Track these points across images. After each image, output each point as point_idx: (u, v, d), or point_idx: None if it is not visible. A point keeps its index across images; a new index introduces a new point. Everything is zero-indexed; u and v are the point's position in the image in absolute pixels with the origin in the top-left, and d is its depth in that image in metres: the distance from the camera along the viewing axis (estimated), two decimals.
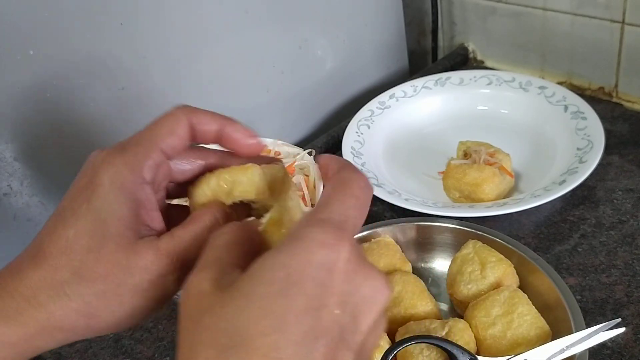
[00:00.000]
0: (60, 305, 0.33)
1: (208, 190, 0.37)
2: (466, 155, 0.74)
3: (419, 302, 0.56)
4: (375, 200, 0.74)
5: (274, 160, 0.39)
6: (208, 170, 0.38)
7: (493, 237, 0.60)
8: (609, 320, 0.50)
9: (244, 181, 0.37)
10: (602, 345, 0.54)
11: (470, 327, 0.53)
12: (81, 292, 0.33)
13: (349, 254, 0.28)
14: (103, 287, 0.33)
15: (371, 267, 0.29)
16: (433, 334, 0.51)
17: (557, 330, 0.51)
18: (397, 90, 0.91)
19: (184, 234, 0.34)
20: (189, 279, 0.30)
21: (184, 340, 0.28)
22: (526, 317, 0.52)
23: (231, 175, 0.37)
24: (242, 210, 0.38)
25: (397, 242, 0.63)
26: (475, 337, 0.53)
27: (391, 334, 0.54)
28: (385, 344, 0.52)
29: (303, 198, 0.67)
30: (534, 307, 0.53)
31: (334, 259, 0.27)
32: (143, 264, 0.33)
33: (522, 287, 0.56)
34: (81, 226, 0.33)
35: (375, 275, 0.29)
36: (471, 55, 1.04)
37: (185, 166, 0.38)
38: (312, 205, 0.64)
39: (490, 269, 0.56)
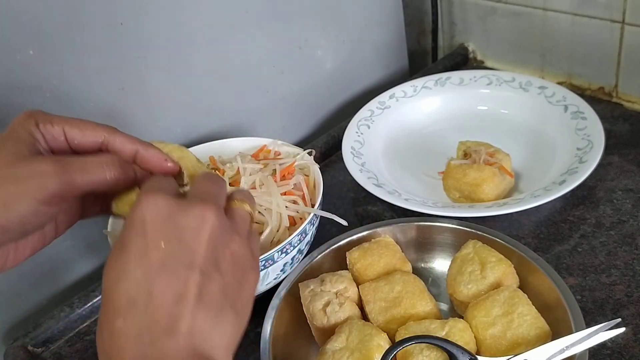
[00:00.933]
0: None
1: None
2: (466, 155, 0.74)
3: (419, 302, 0.56)
4: (375, 200, 0.74)
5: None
6: (104, 145, 0.45)
7: (493, 237, 0.60)
8: (609, 320, 0.49)
9: (188, 155, 0.47)
10: (602, 346, 0.54)
11: (470, 327, 0.53)
12: None
13: (164, 202, 0.36)
14: None
15: (188, 206, 0.37)
16: (433, 334, 0.51)
17: (557, 331, 0.51)
18: (397, 90, 0.91)
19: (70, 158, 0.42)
20: None
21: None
22: (526, 317, 0.52)
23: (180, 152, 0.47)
24: None
25: (397, 242, 0.63)
26: (475, 337, 0.53)
27: (391, 334, 0.54)
28: (385, 344, 0.52)
29: (303, 198, 0.67)
30: (534, 307, 0.53)
31: (147, 210, 0.36)
32: (23, 166, 0.39)
33: (522, 287, 0.56)
34: None
35: (193, 210, 0.36)
36: (471, 55, 1.04)
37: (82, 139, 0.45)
38: (312, 206, 0.64)
39: (490, 269, 0.56)
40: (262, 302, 0.59)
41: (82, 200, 0.48)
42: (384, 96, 0.90)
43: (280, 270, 0.61)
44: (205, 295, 0.35)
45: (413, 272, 0.61)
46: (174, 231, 0.36)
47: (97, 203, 0.49)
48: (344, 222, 0.62)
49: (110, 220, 0.65)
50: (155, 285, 0.34)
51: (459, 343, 0.50)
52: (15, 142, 0.41)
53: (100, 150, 0.45)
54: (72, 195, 0.42)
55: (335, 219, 0.62)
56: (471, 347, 0.52)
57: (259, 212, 0.62)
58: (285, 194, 0.65)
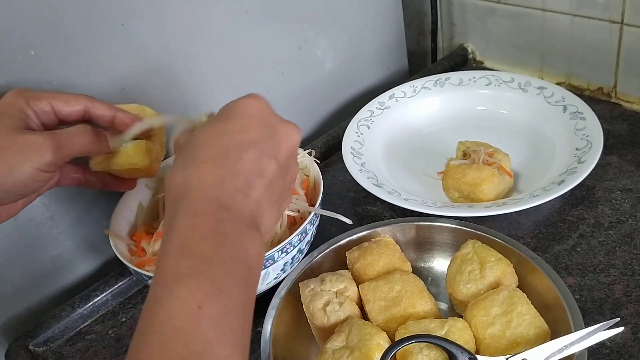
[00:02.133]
0: None
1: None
2: (465, 155, 0.74)
3: (418, 301, 0.56)
4: (375, 200, 0.74)
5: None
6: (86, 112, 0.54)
7: (492, 237, 0.60)
8: (607, 320, 0.50)
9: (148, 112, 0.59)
10: (601, 345, 0.54)
11: (470, 326, 0.53)
12: None
13: (267, 104, 0.44)
14: None
15: (286, 120, 0.45)
16: (432, 333, 0.52)
17: (556, 330, 0.51)
18: (397, 90, 0.91)
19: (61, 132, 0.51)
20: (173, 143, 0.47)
21: (174, 165, 0.42)
22: (525, 316, 0.52)
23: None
24: None
25: (396, 241, 0.63)
26: (474, 337, 0.53)
27: (391, 333, 0.54)
28: (385, 343, 0.52)
29: (305, 197, 0.67)
30: (533, 306, 0.53)
31: (253, 102, 0.43)
32: (21, 139, 0.48)
33: (521, 286, 0.57)
34: None
35: (288, 123, 0.45)
36: (470, 56, 1.04)
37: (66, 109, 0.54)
38: (313, 205, 0.64)
39: (490, 269, 0.57)
40: (262, 301, 0.59)
41: (63, 167, 0.55)
42: (383, 96, 0.90)
43: (281, 270, 0.61)
44: (272, 184, 0.42)
45: (413, 272, 0.61)
46: (271, 128, 0.43)
47: (76, 171, 0.58)
48: (349, 221, 0.62)
49: (111, 220, 0.66)
50: (246, 154, 0.41)
51: (459, 342, 0.50)
52: (10, 118, 0.49)
53: (84, 118, 0.54)
54: (63, 162, 0.50)
55: (339, 218, 0.62)
56: (470, 346, 0.52)
57: None
58: None
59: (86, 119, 0.54)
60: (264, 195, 0.41)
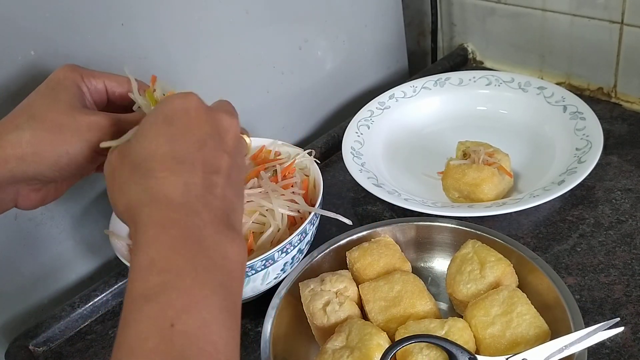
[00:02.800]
0: (15, 135, 0.45)
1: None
2: (465, 155, 0.74)
3: (418, 301, 0.56)
4: (375, 200, 0.74)
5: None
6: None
7: (492, 237, 0.60)
8: (607, 320, 0.50)
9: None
10: (601, 345, 0.54)
11: (470, 326, 0.54)
12: (32, 126, 0.45)
13: (198, 100, 0.43)
14: (50, 125, 0.46)
15: (220, 110, 0.44)
16: (432, 333, 0.52)
17: (556, 330, 0.51)
18: (397, 90, 0.91)
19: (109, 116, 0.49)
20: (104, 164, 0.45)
21: (111, 189, 0.43)
22: (525, 316, 0.52)
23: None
24: None
25: (396, 241, 0.63)
26: (474, 337, 0.53)
27: (391, 333, 0.54)
28: (385, 343, 0.52)
29: (305, 197, 0.67)
30: (533, 306, 0.53)
31: (185, 101, 0.42)
32: (82, 118, 0.46)
33: (521, 286, 0.57)
34: (40, 94, 0.48)
35: (224, 113, 0.44)
36: (470, 56, 1.04)
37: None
38: (312, 206, 0.64)
39: (490, 269, 0.57)
40: (262, 301, 0.59)
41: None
42: (383, 96, 0.90)
43: (281, 270, 0.61)
44: (230, 177, 0.42)
45: (413, 272, 0.61)
46: (210, 121, 0.43)
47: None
48: (349, 222, 0.62)
49: (111, 220, 0.66)
50: (199, 154, 0.40)
51: (459, 342, 0.50)
52: (67, 93, 0.48)
53: (131, 100, 0.53)
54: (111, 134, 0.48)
55: (339, 218, 0.62)
56: (470, 346, 0.52)
57: (260, 213, 0.62)
58: (284, 187, 0.65)
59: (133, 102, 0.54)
60: (228, 190, 0.41)
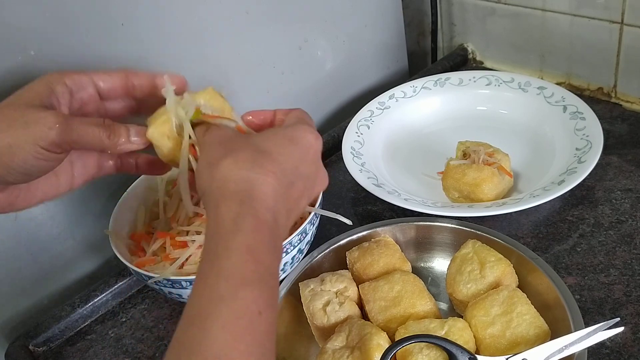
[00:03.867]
0: None
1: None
2: (465, 155, 0.74)
3: (418, 301, 0.56)
4: (375, 200, 0.74)
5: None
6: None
7: (492, 237, 0.60)
8: (607, 320, 0.50)
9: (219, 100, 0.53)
10: (601, 345, 0.54)
11: (470, 326, 0.54)
12: None
13: (321, 145, 0.48)
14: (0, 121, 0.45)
15: (322, 165, 0.49)
16: (432, 333, 0.52)
17: (556, 330, 0.51)
18: (397, 90, 0.91)
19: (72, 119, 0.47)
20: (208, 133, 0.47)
21: (210, 153, 0.44)
22: (525, 316, 0.52)
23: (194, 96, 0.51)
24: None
25: (396, 241, 0.63)
26: (474, 337, 0.53)
27: (391, 333, 0.54)
28: (385, 343, 0.52)
29: None
30: (533, 306, 0.53)
31: (315, 142, 0.47)
32: (30, 114, 0.45)
33: (521, 286, 0.57)
34: (10, 96, 0.47)
35: (324, 170, 0.49)
36: (470, 56, 1.04)
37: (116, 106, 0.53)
38: (312, 205, 0.64)
39: (490, 269, 0.57)
40: None
41: (99, 156, 0.53)
42: (383, 97, 0.90)
43: (281, 270, 0.61)
44: (297, 213, 0.46)
45: (412, 272, 0.61)
46: (316, 169, 0.47)
47: (112, 158, 0.54)
48: (349, 222, 0.62)
49: (111, 220, 0.66)
50: (298, 183, 0.44)
51: (459, 342, 0.50)
52: (31, 93, 0.47)
53: (127, 93, 0.52)
54: (69, 147, 0.47)
55: (339, 218, 0.62)
56: (470, 346, 0.52)
57: None
58: None
59: (129, 94, 0.52)
60: (289, 217, 0.44)
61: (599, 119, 0.76)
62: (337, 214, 0.62)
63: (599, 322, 0.49)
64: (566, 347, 0.49)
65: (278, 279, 0.40)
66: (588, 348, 0.49)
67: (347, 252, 0.62)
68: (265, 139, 0.45)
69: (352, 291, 0.59)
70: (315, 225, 0.64)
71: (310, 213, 0.62)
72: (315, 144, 0.47)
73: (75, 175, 0.52)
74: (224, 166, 0.41)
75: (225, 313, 0.35)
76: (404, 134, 0.87)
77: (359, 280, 0.60)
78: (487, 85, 0.89)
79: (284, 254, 0.60)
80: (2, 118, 0.45)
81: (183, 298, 0.61)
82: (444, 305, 0.62)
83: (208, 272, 0.37)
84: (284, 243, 0.59)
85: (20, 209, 0.51)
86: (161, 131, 0.49)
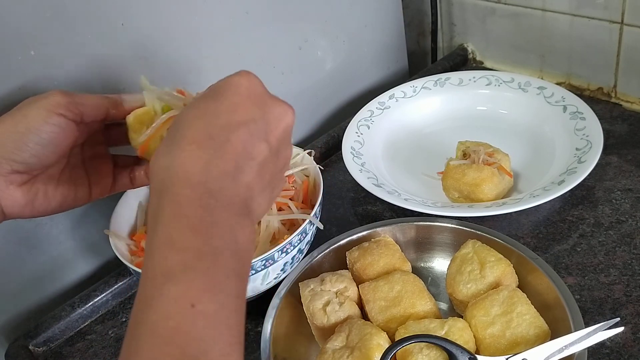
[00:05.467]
0: None
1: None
2: (465, 155, 0.74)
3: (418, 301, 0.56)
4: (375, 200, 0.74)
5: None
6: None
7: (492, 237, 0.60)
8: (607, 320, 0.50)
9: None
10: (601, 345, 0.54)
11: (470, 326, 0.54)
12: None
13: (258, 82, 0.42)
14: (15, 110, 0.49)
15: (278, 99, 0.43)
16: (432, 333, 0.52)
17: (556, 330, 0.51)
18: (397, 90, 0.91)
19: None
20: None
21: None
22: (525, 316, 0.52)
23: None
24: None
25: (396, 241, 0.63)
26: (474, 337, 0.53)
27: (391, 333, 0.54)
28: (385, 343, 0.52)
29: (305, 197, 0.67)
30: (533, 306, 0.53)
31: (244, 79, 0.41)
32: (42, 98, 0.49)
33: (521, 286, 0.57)
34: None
35: (282, 103, 0.42)
36: (470, 56, 1.04)
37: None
38: (312, 207, 0.64)
39: (490, 269, 0.57)
40: (262, 301, 0.59)
41: (114, 173, 0.56)
42: (383, 97, 0.90)
43: (281, 270, 0.61)
44: (263, 168, 0.40)
45: (412, 272, 0.61)
46: (262, 108, 0.41)
47: (125, 174, 0.57)
48: (320, 226, 0.64)
49: (111, 220, 0.66)
50: (234, 135, 0.39)
51: (459, 342, 0.50)
52: (42, 96, 0.50)
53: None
54: (76, 110, 0.50)
55: (314, 222, 0.63)
56: (470, 346, 0.52)
57: None
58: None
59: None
60: (255, 180, 0.39)
61: (599, 119, 0.76)
62: (318, 218, 0.63)
63: (599, 322, 0.49)
64: (566, 347, 0.49)
65: (221, 257, 0.35)
66: (588, 348, 0.49)
67: (347, 252, 0.62)
68: (185, 111, 0.41)
69: (352, 291, 0.59)
70: (315, 225, 0.64)
71: (310, 213, 0.62)
72: (244, 81, 0.41)
73: (92, 188, 0.55)
74: (152, 164, 0.39)
75: (152, 316, 0.32)
76: (404, 134, 0.87)
77: (359, 280, 0.60)
78: (487, 85, 0.89)
79: (284, 254, 0.60)
80: (17, 110, 0.50)
81: None
82: (444, 305, 0.62)
83: (141, 274, 0.35)
84: (284, 242, 0.59)
85: (39, 213, 0.52)
86: (140, 119, 0.51)
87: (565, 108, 0.81)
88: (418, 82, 0.91)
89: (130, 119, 0.52)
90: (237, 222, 0.37)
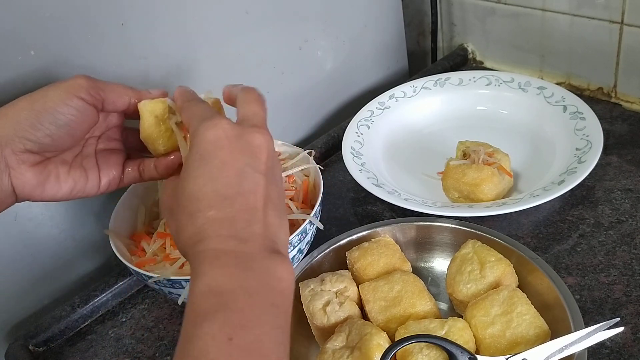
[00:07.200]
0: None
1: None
2: (465, 155, 0.74)
3: (418, 301, 0.56)
4: (375, 200, 0.74)
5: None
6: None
7: (492, 237, 0.60)
8: (607, 320, 0.50)
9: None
10: (601, 345, 0.54)
11: (470, 326, 0.54)
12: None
13: (228, 125, 0.44)
14: (36, 92, 0.50)
15: (249, 128, 0.45)
16: (432, 333, 0.52)
17: (556, 330, 0.51)
18: (397, 90, 0.91)
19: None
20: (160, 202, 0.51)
21: (170, 227, 0.45)
22: (525, 316, 0.52)
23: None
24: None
25: (396, 241, 0.63)
26: (474, 337, 0.53)
27: (391, 333, 0.54)
28: (385, 343, 0.52)
29: (305, 197, 0.67)
30: (533, 306, 0.53)
31: (219, 131, 0.44)
32: (66, 79, 0.50)
33: (521, 286, 0.57)
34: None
35: (254, 131, 0.45)
36: (470, 56, 1.05)
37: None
38: (312, 207, 0.64)
39: (490, 269, 0.57)
40: None
41: (124, 166, 0.57)
42: (383, 97, 0.90)
43: None
44: (269, 197, 0.43)
45: (413, 272, 0.61)
46: (245, 148, 0.44)
47: (134, 167, 0.57)
48: (321, 226, 0.64)
49: (111, 220, 0.66)
50: (240, 187, 0.42)
51: (459, 342, 0.50)
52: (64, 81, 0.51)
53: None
54: (98, 96, 0.51)
55: (314, 222, 0.63)
56: (470, 346, 0.52)
57: None
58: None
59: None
60: (268, 212, 0.43)
61: (599, 119, 0.76)
62: (317, 218, 0.63)
63: (599, 322, 0.49)
64: (566, 347, 0.49)
65: (257, 295, 0.38)
66: (588, 348, 0.49)
67: (347, 252, 0.62)
68: (185, 183, 0.43)
69: (352, 291, 0.59)
70: (315, 225, 0.64)
71: (310, 213, 0.62)
72: (217, 134, 0.44)
73: (101, 179, 0.55)
74: (179, 238, 0.43)
75: (193, 352, 0.35)
76: (404, 134, 0.87)
77: (359, 280, 0.60)
78: (487, 85, 0.89)
79: None
80: (38, 91, 0.50)
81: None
82: (444, 305, 0.62)
83: (183, 320, 0.38)
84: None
85: (49, 197, 0.52)
86: (152, 107, 0.53)
87: (565, 108, 0.81)
88: (418, 82, 0.91)
89: (142, 104, 0.53)
90: (272, 260, 0.41)
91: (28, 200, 0.51)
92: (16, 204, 0.51)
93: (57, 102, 0.49)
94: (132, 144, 0.58)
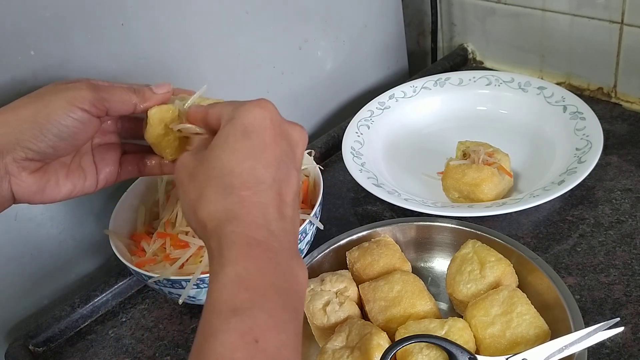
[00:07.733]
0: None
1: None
2: (465, 155, 0.74)
3: (418, 301, 0.56)
4: (375, 200, 0.74)
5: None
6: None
7: (492, 237, 0.60)
8: (607, 320, 0.50)
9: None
10: (601, 345, 0.54)
11: (470, 326, 0.54)
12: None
13: (274, 109, 0.43)
14: (35, 95, 0.49)
15: (290, 121, 0.45)
16: (432, 333, 0.52)
17: (556, 330, 0.51)
18: (397, 90, 0.91)
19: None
20: (177, 164, 0.45)
21: (187, 194, 0.43)
22: (525, 316, 0.52)
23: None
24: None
25: (396, 241, 0.63)
26: (474, 337, 0.53)
27: (391, 333, 0.54)
28: (385, 343, 0.52)
29: (305, 197, 0.67)
30: (533, 306, 0.53)
31: (268, 112, 0.42)
32: (68, 87, 0.49)
33: (521, 286, 0.57)
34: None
35: (296, 125, 0.45)
36: (470, 56, 1.04)
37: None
38: (312, 207, 0.64)
39: (490, 269, 0.57)
40: None
41: (121, 160, 0.56)
42: (383, 97, 0.90)
43: None
44: (296, 195, 0.43)
45: (413, 272, 0.61)
46: (285, 136, 0.43)
47: (133, 162, 0.57)
48: (321, 226, 0.64)
49: (111, 220, 0.66)
50: (276, 175, 0.41)
51: (459, 342, 0.50)
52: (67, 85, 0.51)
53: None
54: (102, 106, 0.50)
55: (314, 222, 0.63)
56: (470, 346, 0.52)
57: None
58: None
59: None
60: (295, 208, 0.42)
61: (599, 119, 0.76)
62: (318, 218, 0.63)
63: (599, 322, 0.49)
64: (566, 347, 0.49)
65: (285, 296, 0.37)
66: (588, 348, 0.49)
67: (347, 252, 0.62)
68: (220, 152, 0.42)
69: (352, 291, 0.59)
70: (315, 225, 0.64)
71: (310, 213, 0.62)
72: (268, 114, 0.42)
73: (99, 176, 0.55)
74: (200, 209, 0.41)
75: (218, 347, 0.34)
76: (404, 134, 0.87)
77: (359, 280, 0.60)
78: (487, 85, 0.89)
79: None
80: (37, 94, 0.50)
81: None
82: (444, 305, 0.62)
83: (204, 309, 0.37)
84: None
85: (48, 200, 0.52)
86: (162, 116, 0.52)
87: (565, 108, 0.81)
88: (418, 82, 0.91)
89: (152, 112, 0.52)
90: (297, 263, 0.40)
91: (27, 203, 0.51)
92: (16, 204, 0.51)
93: (60, 115, 0.48)
94: (126, 131, 0.57)
